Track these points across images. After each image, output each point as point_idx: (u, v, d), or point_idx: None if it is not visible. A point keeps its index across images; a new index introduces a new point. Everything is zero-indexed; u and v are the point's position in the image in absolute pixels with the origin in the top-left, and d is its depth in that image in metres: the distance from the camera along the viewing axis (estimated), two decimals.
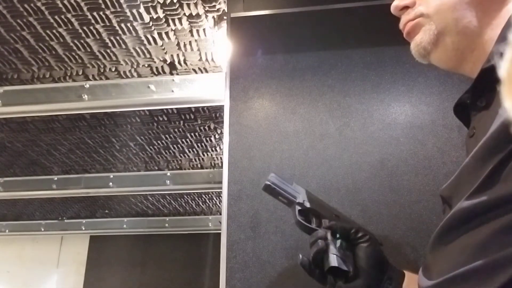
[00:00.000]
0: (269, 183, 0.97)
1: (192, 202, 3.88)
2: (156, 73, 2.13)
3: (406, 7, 0.73)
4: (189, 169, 3.21)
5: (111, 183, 3.23)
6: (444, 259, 0.61)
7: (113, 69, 2.13)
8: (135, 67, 2.12)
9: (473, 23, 0.67)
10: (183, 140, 2.81)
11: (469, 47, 0.69)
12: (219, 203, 3.87)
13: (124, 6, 1.71)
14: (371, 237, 0.89)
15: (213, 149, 2.93)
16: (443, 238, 0.62)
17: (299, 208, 0.94)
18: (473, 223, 0.56)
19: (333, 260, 0.80)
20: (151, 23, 1.81)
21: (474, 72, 0.68)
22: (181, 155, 3.02)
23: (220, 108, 2.36)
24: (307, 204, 0.96)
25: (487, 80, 0.63)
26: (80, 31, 1.86)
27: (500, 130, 0.54)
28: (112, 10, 1.73)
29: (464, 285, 0.54)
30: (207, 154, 3.01)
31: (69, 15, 1.76)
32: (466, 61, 0.71)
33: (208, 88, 1.97)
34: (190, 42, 1.94)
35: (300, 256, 0.88)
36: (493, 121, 0.58)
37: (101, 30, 1.85)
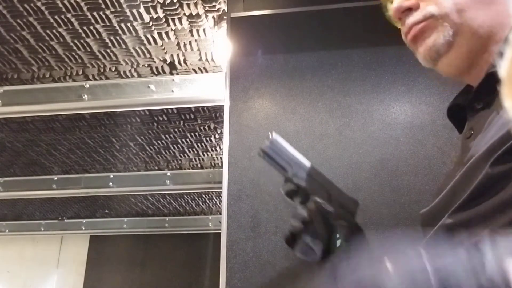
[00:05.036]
0: (265, 149, 0.92)
1: (192, 202, 3.88)
2: (156, 73, 2.13)
3: (409, 9, 0.68)
4: (189, 169, 3.21)
5: (111, 183, 3.23)
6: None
7: (113, 69, 2.13)
8: (135, 67, 2.12)
9: (486, 22, 0.64)
10: (183, 140, 2.81)
11: (481, 49, 0.65)
12: (219, 203, 3.86)
13: (124, 6, 1.71)
14: (348, 224, 0.86)
15: (213, 149, 2.93)
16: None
17: (285, 181, 0.92)
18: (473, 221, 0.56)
19: (299, 250, 0.82)
20: (151, 23, 1.81)
21: (478, 77, 0.65)
22: (181, 155, 3.02)
23: (220, 108, 2.36)
24: (296, 180, 0.93)
25: (490, 84, 0.60)
26: (80, 31, 1.86)
27: (503, 134, 0.54)
28: (112, 10, 1.73)
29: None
30: (207, 154, 3.01)
31: (69, 15, 1.76)
32: (475, 65, 0.67)
33: (208, 88, 1.97)
34: (190, 42, 1.94)
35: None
36: (491, 122, 0.58)
37: (101, 30, 1.85)
